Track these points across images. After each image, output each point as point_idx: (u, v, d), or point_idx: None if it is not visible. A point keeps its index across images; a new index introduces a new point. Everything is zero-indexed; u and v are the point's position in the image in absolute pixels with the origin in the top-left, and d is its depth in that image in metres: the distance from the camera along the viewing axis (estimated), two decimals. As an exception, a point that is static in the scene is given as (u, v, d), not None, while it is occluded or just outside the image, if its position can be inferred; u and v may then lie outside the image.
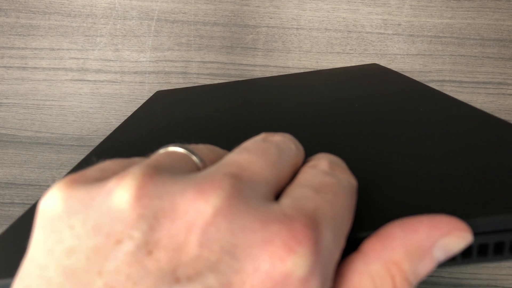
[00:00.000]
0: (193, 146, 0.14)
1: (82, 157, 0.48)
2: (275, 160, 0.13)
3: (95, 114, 0.49)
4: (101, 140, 0.48)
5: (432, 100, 0.23)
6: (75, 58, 0.48)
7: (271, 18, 0.48)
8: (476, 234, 0.12)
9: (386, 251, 0.11)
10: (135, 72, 0.48)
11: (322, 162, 0.13)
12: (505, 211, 0.12)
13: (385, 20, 0.48)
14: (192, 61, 0.48)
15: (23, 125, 0.48)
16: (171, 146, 0.14)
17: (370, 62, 0.45)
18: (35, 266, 0.11)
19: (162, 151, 0.14)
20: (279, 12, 0.48)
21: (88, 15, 0.48)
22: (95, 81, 0.48)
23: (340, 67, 0.37)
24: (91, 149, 0.48)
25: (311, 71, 0.37)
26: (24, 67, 0.48)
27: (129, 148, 0.22)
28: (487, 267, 0.46)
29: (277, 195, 0.12)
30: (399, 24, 0.48)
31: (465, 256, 0.12)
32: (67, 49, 0.48)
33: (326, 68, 0.37)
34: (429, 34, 0.48)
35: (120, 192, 0.11)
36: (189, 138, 0.22)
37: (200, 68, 0.48)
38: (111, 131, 0.49)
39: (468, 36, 0.48)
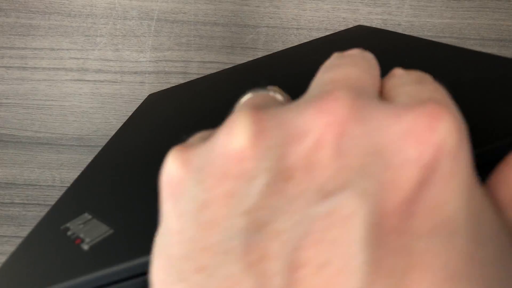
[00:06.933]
0: (272, 87, 0.14)
1: (82, 157, 0.48)
2: (366, 67, 0.12)
3: (95, 114, 0.49)
4: (101, 140, 0.48)
5: (422, 50, 0.22)
6: (75, 58, 0.48)
7: (271, 18, 0.48)
8: None
9: None
10: (135, 72, 0.48)
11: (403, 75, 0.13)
12: None
13: (385, 20, 0.48)
14: (192, 61, 0.48)
15: (23, 125, 0.48)
16: (252, 91, 0.13)
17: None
18: (171, 235, 0.10)
19: (247, 96, 0.13)
20: (279, 12, 0.48)
21: (88, 15, 0.48)
22: (95, 81, 0.48)
23: (326, 35, 0.36)
24: (91, 149, 0.48)
25: (297, 45, 0.36)
26: (24, 67, 0.48)
27: (129, 158, 0.22)
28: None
29: None
30: (399, 24, 0.48)
31: None
32: (67, 49, 0.48)
33: (309, 40, 0.36)
34: (429, 34, 0.48)
35: (239, 132, 0.10)
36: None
37: (200, 68, 0.48)
38: (111, 131, 0.49)
39: (468, 36, 0.48)
